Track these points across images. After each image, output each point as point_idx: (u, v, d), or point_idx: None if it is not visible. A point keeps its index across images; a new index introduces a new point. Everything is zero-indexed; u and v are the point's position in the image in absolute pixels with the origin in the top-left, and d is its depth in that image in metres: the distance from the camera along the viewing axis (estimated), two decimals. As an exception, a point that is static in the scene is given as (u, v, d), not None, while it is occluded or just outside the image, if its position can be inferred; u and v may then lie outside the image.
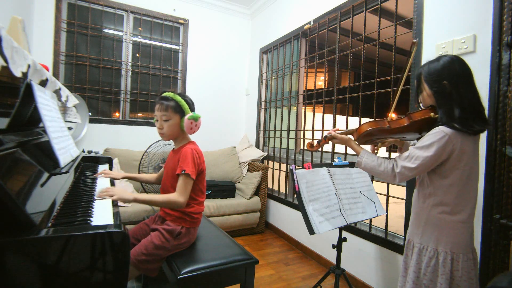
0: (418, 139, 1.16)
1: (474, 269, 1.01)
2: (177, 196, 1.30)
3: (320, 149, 1.36)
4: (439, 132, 0.98)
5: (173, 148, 1.52)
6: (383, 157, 1.19)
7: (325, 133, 1.31)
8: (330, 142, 1.34)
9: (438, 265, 1.01)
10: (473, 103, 0.99)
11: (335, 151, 2.31)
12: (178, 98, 1.39)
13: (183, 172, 1.30)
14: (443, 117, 1.01)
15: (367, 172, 1.19)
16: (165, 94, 1.42)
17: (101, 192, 1.14)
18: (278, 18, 3.19)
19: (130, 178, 1.61)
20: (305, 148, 1.40)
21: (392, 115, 1.19)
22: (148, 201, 1.30)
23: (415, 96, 1.15)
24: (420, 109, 1.11)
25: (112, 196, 1.13)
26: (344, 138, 1.26)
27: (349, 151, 2.19)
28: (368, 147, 1.36)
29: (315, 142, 1.38)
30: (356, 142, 1.25)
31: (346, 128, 1.82)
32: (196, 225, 1.45)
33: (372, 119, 1.18)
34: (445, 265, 1.00)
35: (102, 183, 1.38)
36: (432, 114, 1.03)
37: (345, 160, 2.07)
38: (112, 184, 1.46)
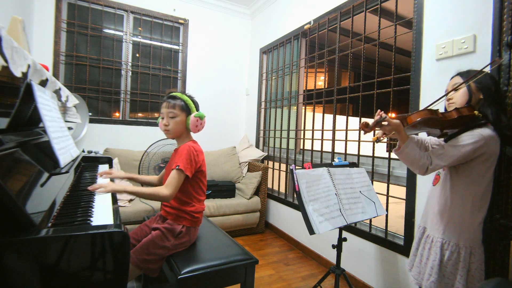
0: (439, 136, 1.26)
1: (483, 261, 1.11)
2: (163, 188, 1.27)
3: (373, 131, 1.28)
4: (477, 135, 1.06)
5: (176, 148, 1.53)
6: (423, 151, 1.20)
7: (378, 113, 1.21)
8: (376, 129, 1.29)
9: (460, 259, 1.10)
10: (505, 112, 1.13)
11: (335, 151, 2.31)
12: (185, 97, 1.44)
13: (177, 167, 1.31)
14: (492, 115, 1.08)
15: (402, 159, 1.19)
16: (172, 93, 1.46)
17: (93, 186, 1.15)
18: (278, 18, 3.19)
19: (131, 179, 1.61)
20: (359, 128, 1.34)
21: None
22: (136, 192, 1.27)
23: (470, 93, 1.16)
24: (462, 106, 1.16)
25: (105, 188, 1.15)
26: (396, 122, 1.18)
27: (349, 151, 2.19)
28: (369, 135, 1.36)
29: (370, 122, 1.25)
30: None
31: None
32: (197, 224, 1.45)
33: (422, 109, 1.17)
34: (465, 259, 1.09)
35: (102, 183, 1.38)
36: (476, 112, 1.11)
37: (345, 160, 2.07)
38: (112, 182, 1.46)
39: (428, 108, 1.18)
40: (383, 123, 1.19)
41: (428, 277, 1.15)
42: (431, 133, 1.33)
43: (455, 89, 1.17)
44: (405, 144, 1.17)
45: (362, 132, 1.34)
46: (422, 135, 1.41)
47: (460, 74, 1.19)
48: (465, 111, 1.13)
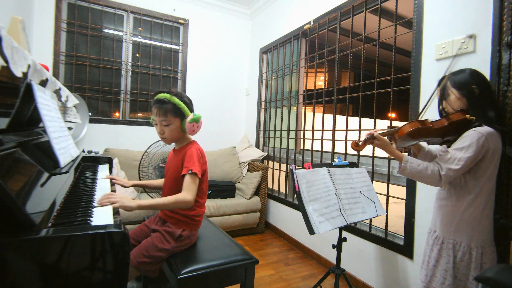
0: (441, 143, 1.25)
1: (495, 261, 1.10)
2: (184, 194, 1.24)
3: (363, 149, 1.35)
4: (476, 133, 1.06)
5: (174, 148, 1.51)
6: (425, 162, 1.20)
7: (368, 133, 1.27)
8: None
9: (472, 259, 1.09)
10: (497, 106, 1.11)
11: (335, 151, 2.31)
12: (176, 100, 1.31)
13: (190, 171, 1.27)
14: (481, 119, 1.10)
15: (410, 177, 1.18)
16: (161, 96, 1.32)
17: (102, 199, 1.06)
18: (278, 18, 3.19)
19: (139, 186, 1.57)
20: (350, 147, 1.36)
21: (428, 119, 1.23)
22: (154, 205, 1.21)
23: (439, 102, 1.22)
24: (453, 111, 1.17)
25: (113, 203, 1.06)
26: (386, 141, 1.22)
27: (349, 151, 2.19)
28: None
29: (360, 142, 1.32)
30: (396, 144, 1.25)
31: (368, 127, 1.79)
32: (197, 227, 1.44)
33: (412, 120, 1.19)
34: (477, 259, 1.08)
35: (102, 184, 1.37)
36: (467, 115, 1.11)
37: (345, 160, 2.07)
38: (112, 185, 1.45)
39: (418, 119, 1.20)
40: (374, 140, 1.25)
41: (443, 281, 1.13)
42: (431, 142, 1.31)
43: (444, 99, 1.20)
44: (404, 161, 1.17)
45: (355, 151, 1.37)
46: (431, 147, 1.39)
47: (438, 83, 1.22)
48: (455, 116, 1.13)
